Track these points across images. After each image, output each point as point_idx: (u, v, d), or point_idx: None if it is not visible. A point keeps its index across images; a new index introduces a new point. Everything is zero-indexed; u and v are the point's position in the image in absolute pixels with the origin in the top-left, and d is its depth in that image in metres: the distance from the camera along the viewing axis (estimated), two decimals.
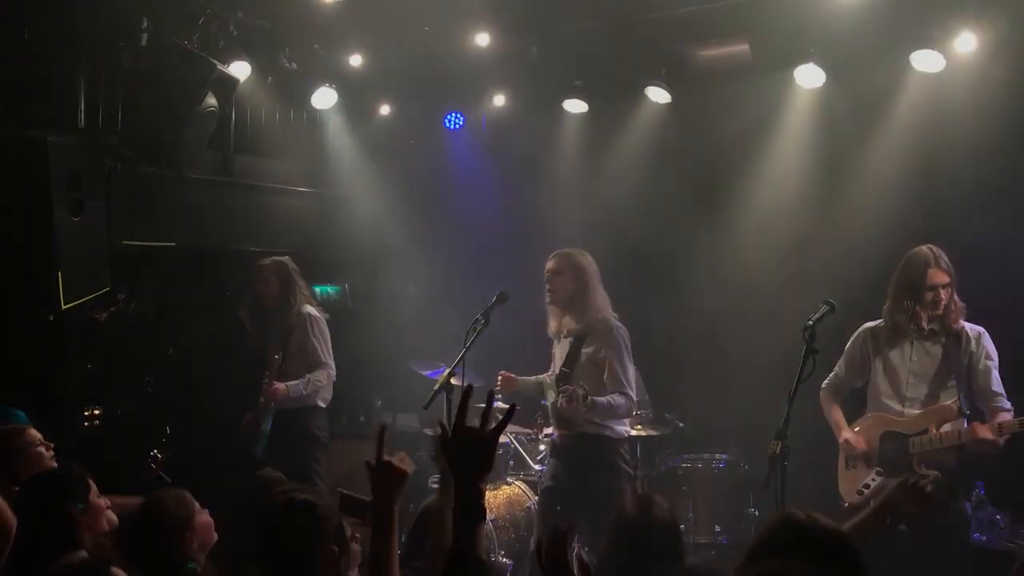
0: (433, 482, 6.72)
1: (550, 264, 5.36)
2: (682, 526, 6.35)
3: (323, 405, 6.43)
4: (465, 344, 4.97)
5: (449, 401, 4.88)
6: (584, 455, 5.21)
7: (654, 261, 7.57)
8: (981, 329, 4.88)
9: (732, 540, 6.47)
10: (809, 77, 6.21)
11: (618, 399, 5.19)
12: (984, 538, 5.30)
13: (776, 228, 6.90)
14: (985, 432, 4.61)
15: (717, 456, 6.70)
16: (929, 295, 4.80)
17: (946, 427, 4.73)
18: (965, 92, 5.94)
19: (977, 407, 4.87)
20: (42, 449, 4.27)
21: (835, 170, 6.70)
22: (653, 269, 7.58)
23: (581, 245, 7.17)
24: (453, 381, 4.92)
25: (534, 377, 5.79)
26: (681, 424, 6.81)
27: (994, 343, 5.52)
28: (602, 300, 5.32)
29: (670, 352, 7.29)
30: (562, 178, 7.73)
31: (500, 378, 5.36)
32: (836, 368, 5.18)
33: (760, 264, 6.88)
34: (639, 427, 6.56)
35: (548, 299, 5.33)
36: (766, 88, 6.55)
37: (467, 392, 2.39)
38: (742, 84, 6.54)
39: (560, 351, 5.46)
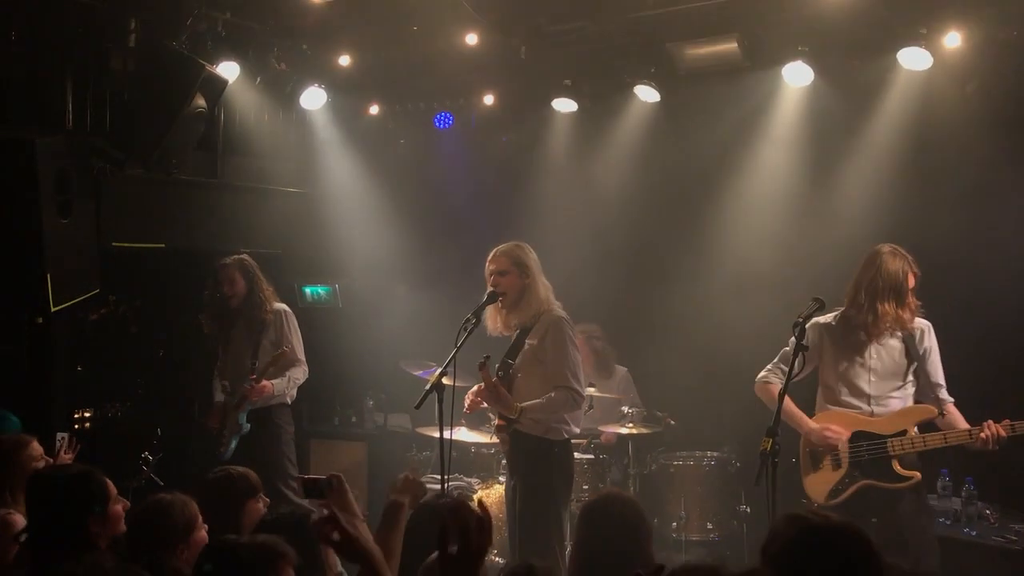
0: (425, 482, 6.71)
1: (492, 266, 5.22)
2: (674, 523, 6.45)
3: (289, 402, 6.42)
4: (456, 344, 4.96)
5: (440, 401, 4.88)
6: (519, 452, 5.19)
7: (644, 258, 7.59)
8: (927, 323, 4.90)
9: (724, 537, 6.50)
10: (797, 75, 6.24)
11: (556, 396, 5.04)
12: (974, 532, 5.33)
13: (765, 225, 6.92)
14: (1000, 431, 4.58)
15: (709, 454, 6.72)
16: (910, 300, 4.81)
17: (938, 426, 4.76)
18: (952, 90, 5.98)
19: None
20: (42, 464, 4.26)
21: (823, 167, 6.73)
22: (643, 266, 7.60)
23: (571, 244, 7.22)
24: (445, 381, 4.90)
25: None
26: (672, 422, 6.82)
27: (974, 341, 5.68)
28: (545, 291, 5.22)
29: (661, 350, 7.30)
30: (552, 177, 7.74)
31: (468, 401, 5.28)
32: (782, 363, 5.05)
33: (749, 261, 6.91)
34: (631, 425, 6.57)
35: (499, 301, 5.22)
36: (755, 86, 6.57)
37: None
38: (731, 82, 6.56)
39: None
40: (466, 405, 5.22)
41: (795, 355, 4.42)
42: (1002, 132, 5.88)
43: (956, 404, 4.92)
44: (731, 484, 6.57)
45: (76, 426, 6.85)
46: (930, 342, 4.89)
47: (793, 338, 4.88)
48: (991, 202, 6.15)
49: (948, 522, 5.47)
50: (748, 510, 6.45)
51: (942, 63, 5.86)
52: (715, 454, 6.69)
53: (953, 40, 5.72)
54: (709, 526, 6.50)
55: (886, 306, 4.76)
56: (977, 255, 6.12)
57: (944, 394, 4.87)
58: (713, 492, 6.55)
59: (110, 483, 3.59)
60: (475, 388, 5.21)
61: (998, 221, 6.11)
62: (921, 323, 4.88)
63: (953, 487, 5.56)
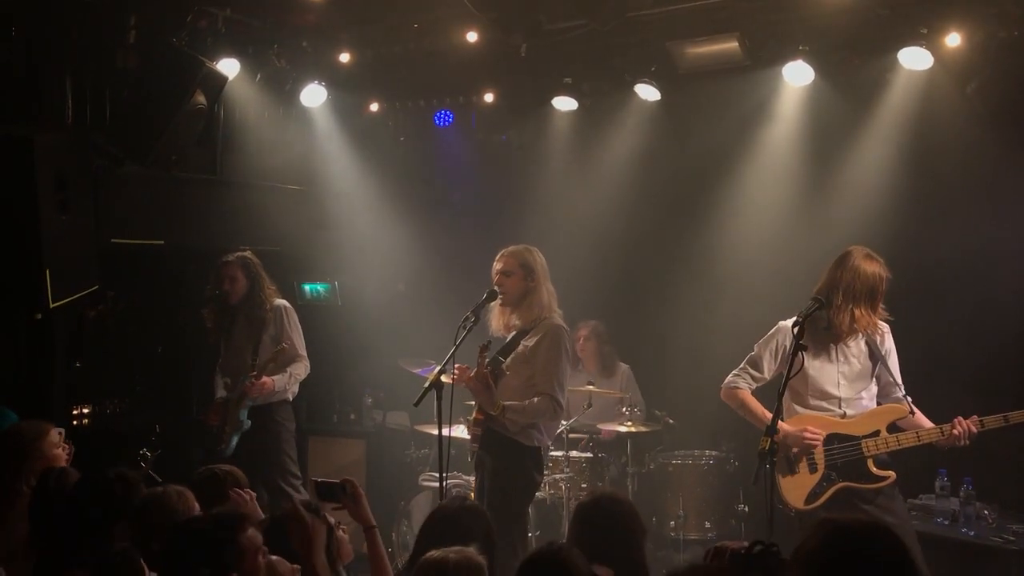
0: (424, 480, 6.72)
1: (498, 265, 5.24)
2: (672, 522, 6.45)
3: (290, 398, 6.42)
4: (455, 342, 4.96)
5: (439, 399, 4.87)
6: (488, 451, 5.18)
7: (644, 257, 7.59)
8: (886, 324, 4.88)
9: (722, 536, 6.49)
10: (798, 74, 6.23)
11: (539, 402, 5.04)
12: (972, 533, 5.33)
13: (765, 224, 6.92)
14: (971, 427, 4.62)
15: (707, 453, 6.72)
16: (880, 303, 4.80)
17: (900, 426, 4.76)
18: (952, 89, 5.97)
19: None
20: (60, 451, 4.31)
21: (824, 167, 6.72)
22: (642, 264, 7.60)
23: (570, 242, 7.21)
24: (444, 379, 4.90)
25: None
26: (671, 421, 6.82)
27: (972, 342, 5.76)
28: (548, 298, 5.23)
29: (660, 348, 7.31)
30: (551, 175, 7.73)
31: (457, 369, 5.23)
32: (751, 367, 4.99)
33: (749, 260, 6.91)
34: (629, 424, 6.57)
35: (500, 300, 5.24)
36: (755, 85, 6.56)
37: None
38: (731, 81, 6.55)
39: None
40: (455, 375, 5.12)
41: (793, 355, 4.41)
42: (1003, 131, 5.88)
43: (955, 404, 4.91)
44: (729, 483, 6.57)
45: (75, 422, 6.85)
46: (890, 343, 4.89)
47: (757, 342, 5.01)
48: (992, 201, 6.15)
49: (946, 522, 5.47)
50: (746, 509, 6.46)
51: (943, 63, 5.85)
52: (713, 453, 6.70)
53: (954, 40, 5.71)
54: (707, 525, 6.50)
55: (862, 309, 4.72)
56: (978, 254, 6.12)
57: (901, 393, 4.87)
58: (711, 491, 6.56)
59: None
60: (468, 369, 5.12)
61: (999, 220, 6.11)
62: (882, 324, 4.87)
63: (951, 487, 5.56)
